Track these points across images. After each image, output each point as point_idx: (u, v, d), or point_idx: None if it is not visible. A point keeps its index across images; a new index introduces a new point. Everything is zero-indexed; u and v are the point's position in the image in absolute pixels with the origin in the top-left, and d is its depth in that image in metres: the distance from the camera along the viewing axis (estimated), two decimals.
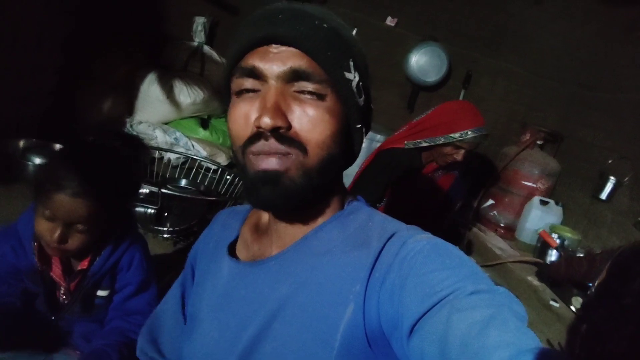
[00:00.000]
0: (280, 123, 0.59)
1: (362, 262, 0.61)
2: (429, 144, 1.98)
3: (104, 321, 1.16)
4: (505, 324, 0.45)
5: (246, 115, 0.62)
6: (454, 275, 0.53)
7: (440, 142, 1.94)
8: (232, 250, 0.77)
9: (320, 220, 0.70)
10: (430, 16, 3.35)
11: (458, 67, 3.43)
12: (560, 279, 2.21)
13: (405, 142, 2.03)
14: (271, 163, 0.61)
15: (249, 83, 0.62)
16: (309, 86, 0.61)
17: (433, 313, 0.50)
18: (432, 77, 3.33)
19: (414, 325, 0.51)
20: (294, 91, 0.61)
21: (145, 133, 2.71)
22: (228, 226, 0.83)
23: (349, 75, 0.64)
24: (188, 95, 2.87)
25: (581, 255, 2.35)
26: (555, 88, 3.47)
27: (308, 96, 0.61)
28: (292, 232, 0.70)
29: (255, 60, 0.61)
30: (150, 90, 2.80)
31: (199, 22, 3.10)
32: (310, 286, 0.63)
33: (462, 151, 1.97)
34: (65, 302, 1.12)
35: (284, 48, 0.61)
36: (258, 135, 0.61)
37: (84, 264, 1.10)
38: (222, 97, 0.73)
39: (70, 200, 0.97)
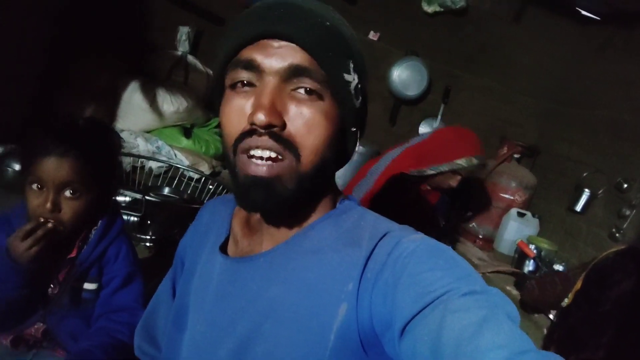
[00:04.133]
0: (275, 121, 0.57)
1: (354, 261, 0.60)
2: (434, 172, 1.94)
3: (90, 319, 1.14)
4: (499, 325, 0.45)
5: (240, 110, 0.61)
6: (447, 275, 0.53)
7: (445, 169, 1.91)
8: (221, 244, 0.76)
9: (311, 219, 0.69)
10: (411, 32, 3.41)
11: (438, 82, 3.49)
12: (534, 303, 2.06)
13: (410, 169, 1.98)
14: (262, 170, 0.59)
15: (245, 75, 0.60)
16: (308, 84, 0.59)
17: (426, 313, 0.49)
18: (413, 91, 3.37)
19: (406, 325, 0.50)
20: (291, 90, 0.60)
21: (127, 141, 2.68)
22: (218, 214, 0.82)
23: (348, 77, 0.62)
24: (171, 103, 2.85)
25: (557, 270, 2.33)
26: (532, 104, 3.57)
27: (305, 96, 0.60)
28: (283, 230, 0.68)
29: (254, 53, 0.60)
30: (133, 98, 2.77)
31: (183, 32, 3.10)
32: (302, 286, 0.61)
33: (459, 177, 1.96)
34: (54, 292, 1.10)
35: (284, 43, 0.59)
36: (251, 132, 0.59)
37: (72, 252, 1.10)
38: (212, 93, 0.70)
39: (56, 161, 0.99)
